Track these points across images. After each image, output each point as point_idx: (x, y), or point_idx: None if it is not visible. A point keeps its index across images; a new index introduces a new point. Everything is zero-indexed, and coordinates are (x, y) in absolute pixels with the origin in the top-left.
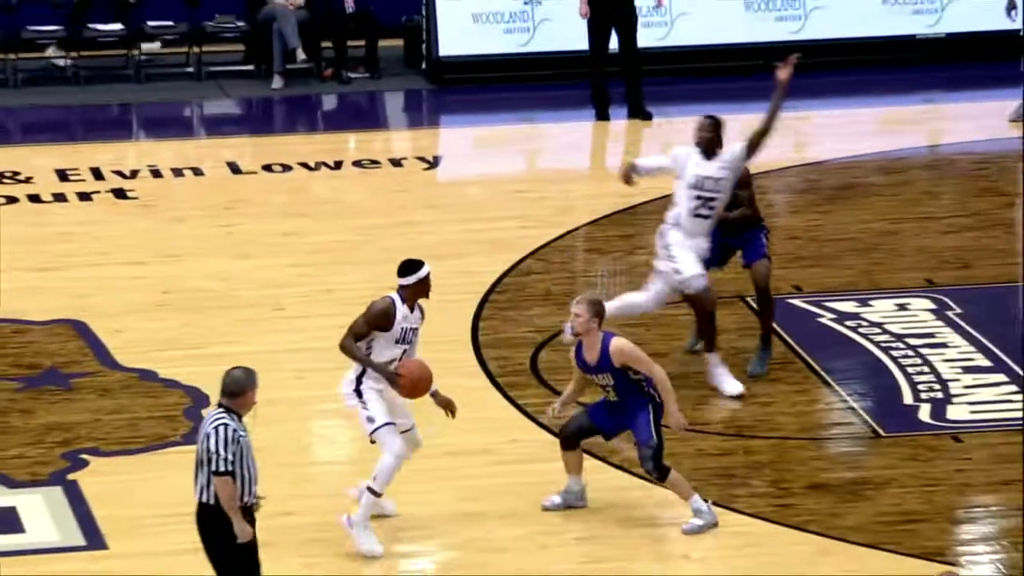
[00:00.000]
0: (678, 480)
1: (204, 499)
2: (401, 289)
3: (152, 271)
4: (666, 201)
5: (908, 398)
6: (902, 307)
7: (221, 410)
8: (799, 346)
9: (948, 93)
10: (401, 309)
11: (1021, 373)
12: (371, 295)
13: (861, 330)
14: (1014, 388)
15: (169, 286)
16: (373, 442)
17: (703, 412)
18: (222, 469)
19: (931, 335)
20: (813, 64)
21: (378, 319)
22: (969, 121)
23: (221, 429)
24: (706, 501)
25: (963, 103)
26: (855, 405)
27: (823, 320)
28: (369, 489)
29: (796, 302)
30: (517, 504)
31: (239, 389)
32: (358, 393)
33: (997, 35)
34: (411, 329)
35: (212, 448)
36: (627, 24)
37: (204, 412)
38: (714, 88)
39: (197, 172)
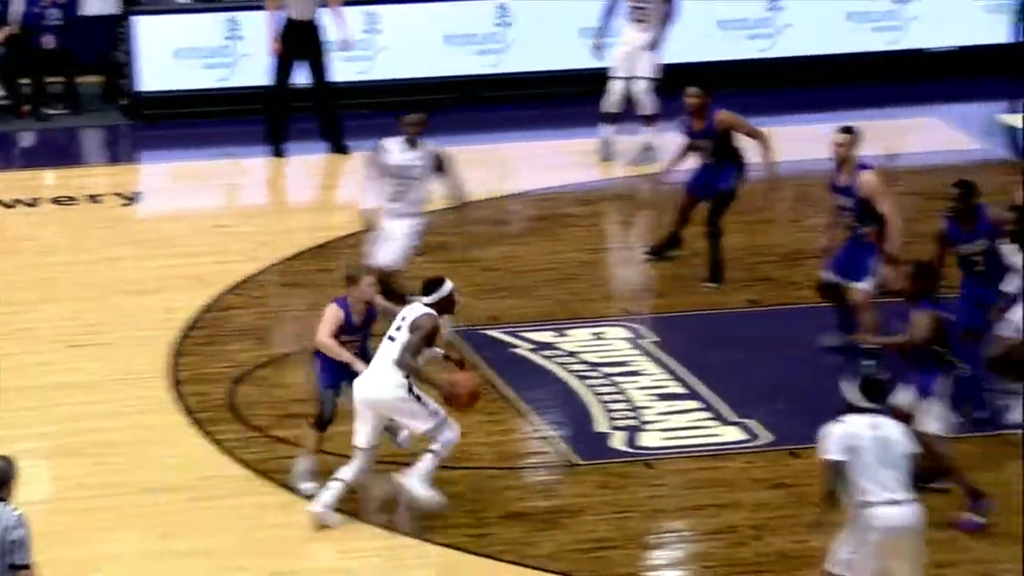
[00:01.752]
0: None
1: None
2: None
3: None
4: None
5: (602, 426)
6: (598, 336)
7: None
8: (496, 376)
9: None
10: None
11: (706, 401)
12: (72, 332)
13: (557, 360)
14: (707, 415)
15: None
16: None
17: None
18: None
19: (625, 363)
20: (516, 96)
21: (434, 333)
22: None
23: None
24: None
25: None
26: (550, 434)
27: (519, 350)
28: (432, 451)
29: (493, 333)
30: (219, 541)
31: (6, 477)
32: (416, 397)
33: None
34: None
35: (22, 540)
36: (316, 59)
37: None
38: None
39: None
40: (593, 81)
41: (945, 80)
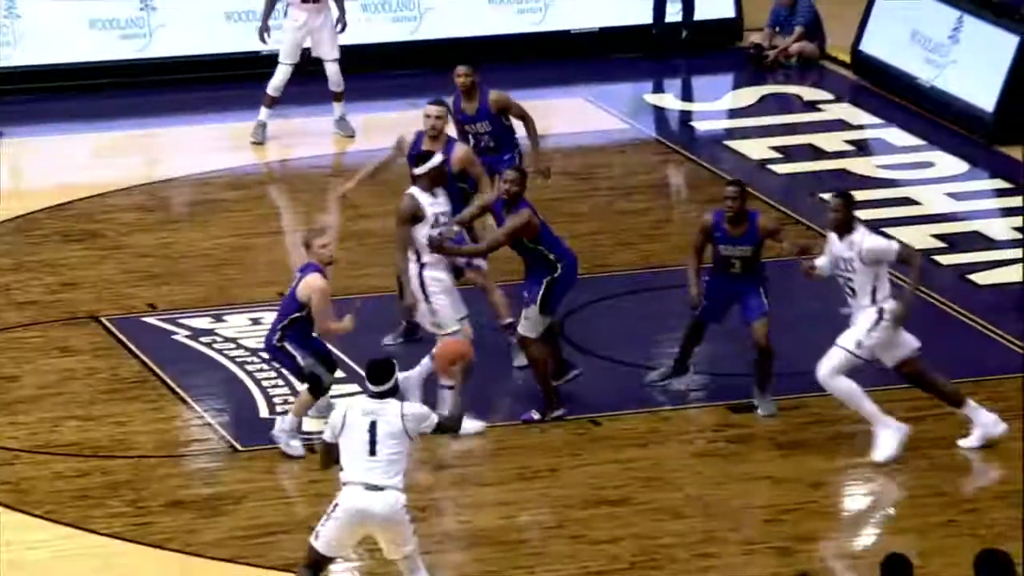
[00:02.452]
0: None
1: None
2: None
3: None
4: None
5: (264, 411)
6: (255, 321)
7: None
8: (155, 364)
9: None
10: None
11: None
12: None
13: (216, 346)
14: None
15: None
16: None
17: (59, 434)
18: None
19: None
20: (160, 82)
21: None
22: (316, 136)
23: None
24: None
25: (302, 118)
26: (212, 421)
27: (177, 337)
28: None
29: (150, 320)
30: None
31: None
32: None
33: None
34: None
35: None
36: None
37: None
38: (64, 106)
39: None
40: (242, 64)
41: (590, 60)
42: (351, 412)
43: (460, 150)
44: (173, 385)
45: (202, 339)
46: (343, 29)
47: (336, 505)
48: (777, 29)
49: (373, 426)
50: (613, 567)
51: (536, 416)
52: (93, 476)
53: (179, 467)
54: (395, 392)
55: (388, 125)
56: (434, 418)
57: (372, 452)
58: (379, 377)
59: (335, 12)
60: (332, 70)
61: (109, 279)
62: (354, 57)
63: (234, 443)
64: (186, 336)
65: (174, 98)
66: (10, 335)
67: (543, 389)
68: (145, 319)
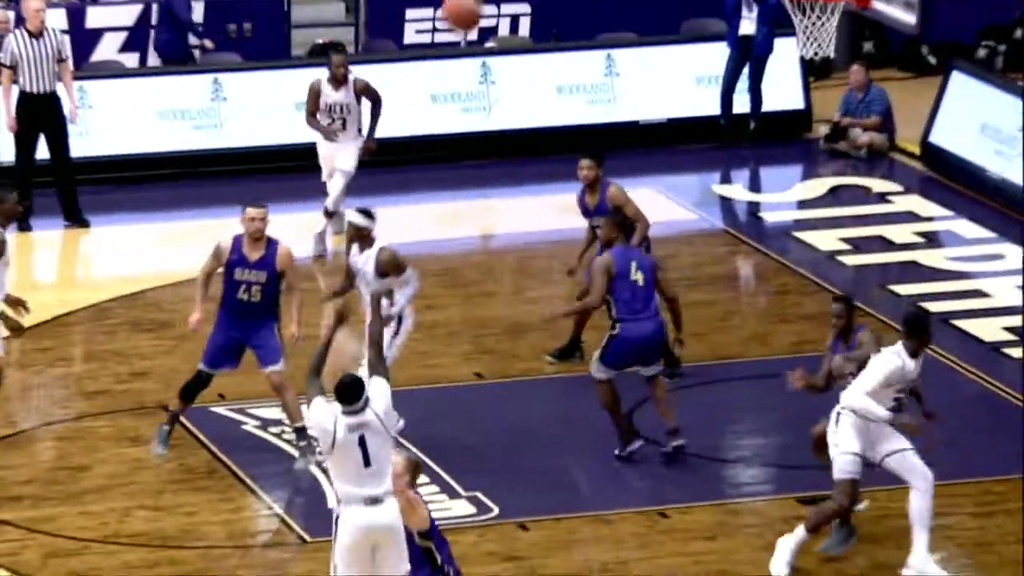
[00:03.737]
0: None
1: None
2: None
3: None
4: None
5: (332, 502)
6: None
7: None
8: (224, 454)
9: None
10: None
11: (435, 476)
12: None
13: (285, 436)
14: (436, 488)
15: None
16: None
17: (128, 524)
18: None
19: None
20: (229, 172)
21: None
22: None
23: None
24: None
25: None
26: (281, 511)
27: (247, 427)
28: None
29: (219, 410)
30: None
31: None
32: None
33: None
34: None
35: None
36: (58, 133)
37: None
38: (135, 196)
39: None
40: (309, 155)
41: (658, 151)
42: (339, 429)
43: (283, 250)
44: (242, 475)
45: (271, 429)
46: (369, 138)
47: (338, 534)
48: (849, 118)
49: (362, 440)
50: None
51: (616, 452)
52: (162, 567)
53: (248, 558)
54: (367, 402)
55: (460, 212)
56: (388, 393)
57: (367, 463)
58: (353, 396)
59: (366, 122)
60: (338, 184)
61: (177, 369)
62: (425, 147)
63: (303, 534)
64: (255, 426)
65: (243, 188)
66: (80, 425)
67: (616, 427)
68: (214, 409)
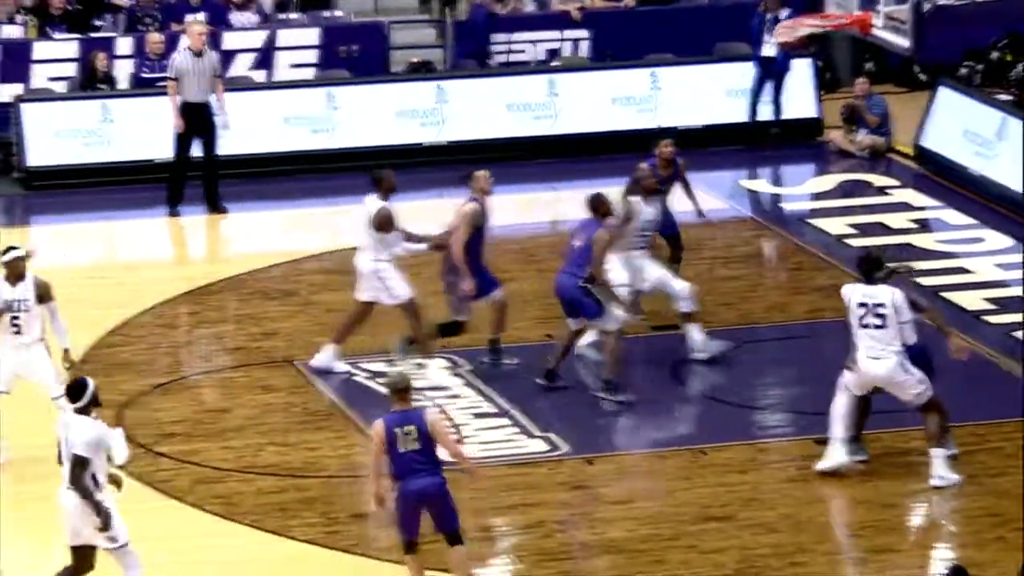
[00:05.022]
0: None
1: None
2: None
3: None
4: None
5: None
6: (420, 365)
7: None
8: (340, 400)
9: None
10: None
11: (514, 419)
12: None
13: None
14: (516, 430)
15: None
16: None
17: (261, 457)
18: None
19: (446, 388)
20: (341, 168)
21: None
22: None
23: None
24: None
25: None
26: None
27: (358, 378)
28: None
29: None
30: None
31: None
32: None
33: None
34: None
35: None
36: (209, 135)
37: None
38: (265, 188)
39: None
40: (408, 154)
41: (695, 151)
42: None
43: None
44: (355, 418)
45: (379, 379)
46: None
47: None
48: (853, 127)
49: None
50: (719, 573)
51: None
52: (290, 492)
53: (361, 485)
54: None
55: (532, 202)
56: None
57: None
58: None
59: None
60: None
61: (302, 329)
62: (503, 148)
63: None
64: (366, 377)
65: (352, 182)
66: (222, 375)
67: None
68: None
